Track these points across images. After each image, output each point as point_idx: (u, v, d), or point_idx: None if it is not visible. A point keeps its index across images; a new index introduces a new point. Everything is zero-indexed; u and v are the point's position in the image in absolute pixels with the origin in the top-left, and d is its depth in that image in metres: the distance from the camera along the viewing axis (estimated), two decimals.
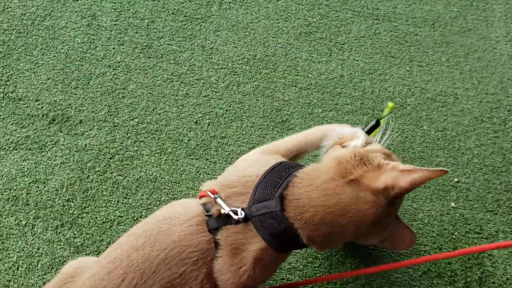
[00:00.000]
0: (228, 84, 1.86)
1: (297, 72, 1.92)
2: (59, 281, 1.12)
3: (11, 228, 1.51)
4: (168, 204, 1.21)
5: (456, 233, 1.58)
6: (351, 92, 1.88)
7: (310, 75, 1.92)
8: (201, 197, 1.16)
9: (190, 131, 1.74)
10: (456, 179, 1.67)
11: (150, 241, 1.08)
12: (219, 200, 1.10)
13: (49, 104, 1.76)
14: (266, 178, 1.09)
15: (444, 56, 1.99)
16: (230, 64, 1.91)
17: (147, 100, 1.81)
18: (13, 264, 1.46)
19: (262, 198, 1.07)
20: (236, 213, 1.06)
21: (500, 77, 1.94)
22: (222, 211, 1.08)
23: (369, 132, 1.30)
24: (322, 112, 1.82)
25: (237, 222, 1.07)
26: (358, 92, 1.88)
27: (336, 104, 1.85)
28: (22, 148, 1.66)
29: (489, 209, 1.62)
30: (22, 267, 1.46)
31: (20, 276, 1.44)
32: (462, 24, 2.10)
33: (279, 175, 1.09)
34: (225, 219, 1.08)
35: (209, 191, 1.12)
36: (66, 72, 1.84)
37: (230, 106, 1.81)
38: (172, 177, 1.65)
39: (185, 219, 1.11)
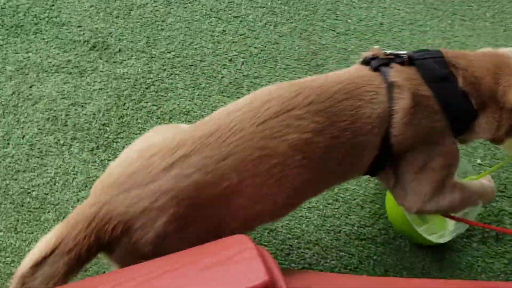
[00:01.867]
0: (265, 24, 1.86)
1: (337, 16, 1.90)
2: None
3: (50, 146, 1.61)
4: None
5: None
6: (390, 41, 1.86)
7: (349, 20, 1.89)
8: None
9: (224, 68, 1.77)
10: None
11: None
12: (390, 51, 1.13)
13: (91, 31, 1.81)
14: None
15: (489, 11, 1.92)
16: (269, 4, 1.90)
17: (184, 34, 1.83)
18: (50, 179, 1.56)
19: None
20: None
21: None
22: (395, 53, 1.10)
23: None
24: (358, 59, 1.81)
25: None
26: (396, 41, 1.86)
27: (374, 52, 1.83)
28: (63, 72, 1.73)
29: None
30: (58, 183, 1.56)
31: (57, 191, 1.54)
32: None
33: None
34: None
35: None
36: (109, 1, 1.87)
37: (265, 46, 1.82)
38: (204, 112, 1.69)
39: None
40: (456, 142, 1.15)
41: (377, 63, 1.09)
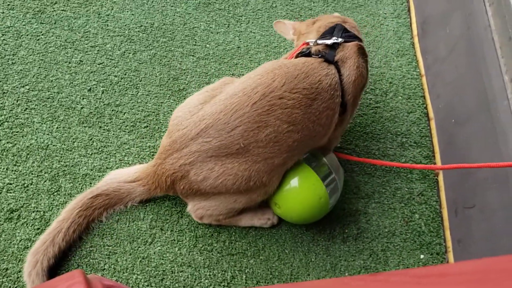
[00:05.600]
0: (124, 52, 1.86)
1: (195, 42, 1.95)
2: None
3: None
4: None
5: None
6: (247, 63, 1.95)
7: (208, 45, 1.96)
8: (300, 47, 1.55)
9: (83, 98, 1.73)
10: (338, 144, 1.81)
11: (283, 67, 1.41)
12: (320, 41, 1.50)
13: None
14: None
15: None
16: (126, 32, 1.91)
17: (39, 67, 1.77)
18: None
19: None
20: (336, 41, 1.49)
21: (385, 52, 2.09)
22: (328, 42, 1.49)
23: None
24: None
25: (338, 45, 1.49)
26: (254, 63, 1.95)
27: (232, 75, 1.91)
28: None
29: (367, 172, 1.77)
30: None
31: None
32: (354, 0, 2.23)
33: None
34: (333, 48, 1.49)
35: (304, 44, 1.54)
36: None
37: (125, 74, 1.81)
38: (64, 144, 1.64)
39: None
40: None
41: (321, 55, 1.49)
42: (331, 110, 1.44)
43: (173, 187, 1.45)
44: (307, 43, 1.54)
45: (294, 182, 1.47)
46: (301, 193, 1.48)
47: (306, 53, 1.51)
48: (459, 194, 1.66)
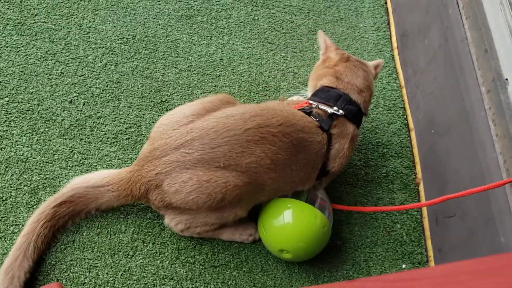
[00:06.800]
0: (106, 64, 1.85)
1: (178, 54, 1.96)
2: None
3: None
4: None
5: None
6: (230, 75, 1.96)
7: (190, 57, 1.96)
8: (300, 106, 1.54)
9: (64, 110, 1.72)
10: None
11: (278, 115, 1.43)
12: (322, 106, 1.51)
13: None
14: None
15: (316, 43, 2.13)
16: (108, 44, 1.90)
17: (19, 79, 1.75)
18: None
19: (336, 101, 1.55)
20: (337, 111, 1.51)
21: None
22: (329, 111, 1.50)
23: None
24: (201, 93, 1.88)
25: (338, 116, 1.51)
26: (236, 75, 1.96)
27: (215, 86, 1.91)
28: None
29: (349, 183, 1.78)
30: None
31: None
32: (335, 14, 2.26)
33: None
34: (331, 118, 1.51)
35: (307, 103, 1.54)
36: None
37: (107, 86, 1.81)
38: (44, 157, 1.62)
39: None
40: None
41: (319, 119, 1.50)
42: (311, 168, 1.49)
43: (146, 196, 1.41)
44: (310, 104, 1.55)
45: (293, 220, 1.49)
46: (306, 229, 1.47)
47: (307, 112, 1.52)
48: (440, 203, 1.68)
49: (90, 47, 1.88)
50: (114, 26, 1.95)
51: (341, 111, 1.51)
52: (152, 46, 1.95)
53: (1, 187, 1.55)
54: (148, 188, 1.39)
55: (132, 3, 2.02)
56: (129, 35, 1.94)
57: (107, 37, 1.91)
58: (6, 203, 1.52)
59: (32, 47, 1.83)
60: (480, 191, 1.30)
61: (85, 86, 1.79)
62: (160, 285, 1.47)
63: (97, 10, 1.96)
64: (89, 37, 1.90)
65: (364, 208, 1.69)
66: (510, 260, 0.57)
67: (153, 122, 1.74)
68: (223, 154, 1.33)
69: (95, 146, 1.67)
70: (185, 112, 1.43)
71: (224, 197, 1.35)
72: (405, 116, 1.97)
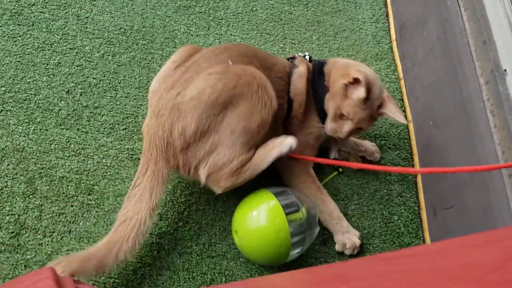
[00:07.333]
0: (103, 54, 1.85)
1: (175, 45, 1.95)
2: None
3: None
4: None
5: None
6: None
7: None
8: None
9: (61, 100, 1.71)
10: None
11: None
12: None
13: None
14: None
15: (315, 34, 2.13)
16: (106, 34, 1.89)
17: (16, 69, 1.74)
18: None
19: None
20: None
21: (364, 55, 2.11)
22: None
23: None
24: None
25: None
26: None
27: None
28: None
29: (346, 174, 1.78)
30: None
31: None
32: (333, 5, 2.25)
33: None
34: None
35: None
36: None
37: (104, 76, 1.80)
38: (41, 146, 1.61)
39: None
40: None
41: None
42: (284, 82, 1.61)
43: (172, 144, 1.42)
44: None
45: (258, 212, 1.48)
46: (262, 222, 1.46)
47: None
48: (438, 195, 1.67)
49: (88, 38, 1.87)
50: (112, 17, 1.94)
51: (307, 56, 1.68)
52: (150, 36, 1.94)
53: None
54: (171, 126, 1.42)
55: None
56: (126, 25, 1.93)
57: (105, 28, 1.90)
58: (2, 192, 1.51)
59: (29, 37, 1.82)
60: (478, 171, 1.32)
61: (82, 76, 1.78)
62: (156, 275, 1.46)
63: (94, 1, 1.95)
64: (86, 27, 1.89)
65: (353, 164, 1.67)
66: (505, 233, 0.58)
67: None
68: (227, 56, 1.47)
69: (92, 136, 1.67)
70: (168, 66, 1.55)
71: (236, 86, 1.42)
72: (403, 108, 1.97)
